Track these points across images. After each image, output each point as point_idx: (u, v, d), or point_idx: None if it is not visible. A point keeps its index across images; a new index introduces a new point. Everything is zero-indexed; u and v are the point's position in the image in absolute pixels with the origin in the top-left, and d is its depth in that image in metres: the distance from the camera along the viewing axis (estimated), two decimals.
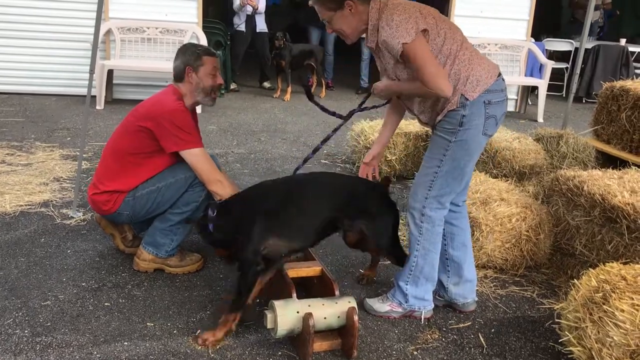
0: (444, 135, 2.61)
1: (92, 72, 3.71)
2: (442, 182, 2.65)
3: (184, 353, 2.49)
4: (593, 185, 3.20)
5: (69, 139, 5.60)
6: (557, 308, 2.61)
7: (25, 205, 3.90)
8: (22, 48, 7.28)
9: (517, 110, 8.47)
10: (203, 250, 3.32)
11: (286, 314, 2.44)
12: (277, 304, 2.47)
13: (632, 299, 2.27)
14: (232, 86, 8.71)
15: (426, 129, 5.16)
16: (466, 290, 2.91)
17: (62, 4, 7.19)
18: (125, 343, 2.52)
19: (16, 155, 4.97)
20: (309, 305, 2.50)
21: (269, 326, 2.47)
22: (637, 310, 2.22)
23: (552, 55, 9.41)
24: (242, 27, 8.51)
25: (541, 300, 3.12)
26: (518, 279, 3.35)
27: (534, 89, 8.61)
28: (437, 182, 2.65)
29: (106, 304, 2.83)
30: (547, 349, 2.68)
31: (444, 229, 2.81)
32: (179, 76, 3.11)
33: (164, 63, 7.37)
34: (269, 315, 2.47)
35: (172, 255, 3.15)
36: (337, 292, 2.66)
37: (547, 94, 8.12)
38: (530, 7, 8.09)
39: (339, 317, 2.51)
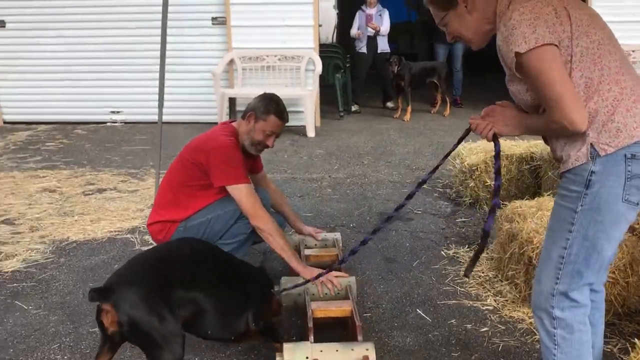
0: (566, 204, 1.92)
1: (161, 106, 3.90)
2: (572, 271, 1.93)
3: None
4: None
5: None
6: None
7: (115, 231, 4.17)
8: (155, 81, 7.90)
9: None
10: None
11: (294, 359, 2.31)
12: (287, 347, 2.35)
13: None
14: (354, 108, 8.71)
15: (531, 150, 4.71)
16: None
17: (189, 37, 7.71)
18: None
19: (128, 182, 5.36)
20: (321, 351, 2.34)
21: None
22: None
23: None
24: (364, 49, 8.49)
25: (622, 356, 2.63)
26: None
27: None
28: (566, 271, 1.94)
29: None
30: None
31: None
32: (243, 114, 3.19)
33: (282, 89, 7.56)
34: (278, 359, 2.35)
35: None
36: (360, 338, 2.46)
37: None
38: None
39: None
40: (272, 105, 3.11)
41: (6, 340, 2.82)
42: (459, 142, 2.41)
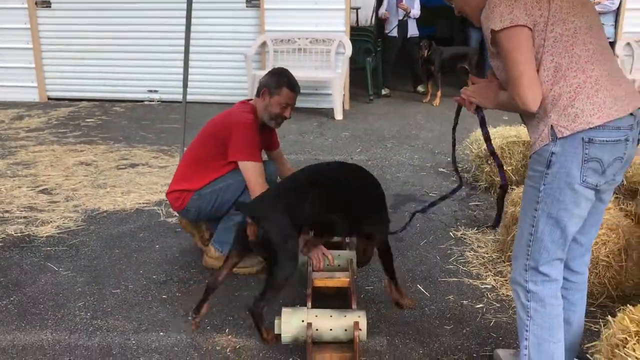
0: (532, 183, 2.06)
1: (185, 86, 4.12)
2: (540, 247, 2.07)
3: (205, 349, 2.68)
4: None
5: None
6: (588, 346, 2.29)
7: (143, 203, 4.43)
8: (191, 62, 8.13)
9: None
10: None
11: (290, 322, 2.51)
12: (285, 311, 2.55)
13: None
14: (384, 92, 8.80)
15: None
16: None
17: (223, 19, 7.93)
18: (161, 333, 2.79)
19: (160, 158, 5.64)
20: (316, 316, 2.53)
21: (275, 331, 2.56)
22: None
23: None
24: (394, 33, 8.55)
25: None
26: (594, 309, 2.97)
27: None
28: (534, 247, 2.08)
29: (164, 296, 3.14)
30: None
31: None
32: (257, 92, 3.36)
33: (312, 72, 7.73)
34: (276, 322, 2.55)
35: None
36: (354, 306, 2.64)
37: None
38: None
39: (346, 330, 2.51)
40: (282, 79, 3.29)
41: (37, 297, 3.10)
42: (456, 115, 2.57)
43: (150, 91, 8.43)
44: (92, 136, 6.46)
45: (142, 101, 8.41)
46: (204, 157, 3.36)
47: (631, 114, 1.97)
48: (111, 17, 8.27)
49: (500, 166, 2.43)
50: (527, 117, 2.08)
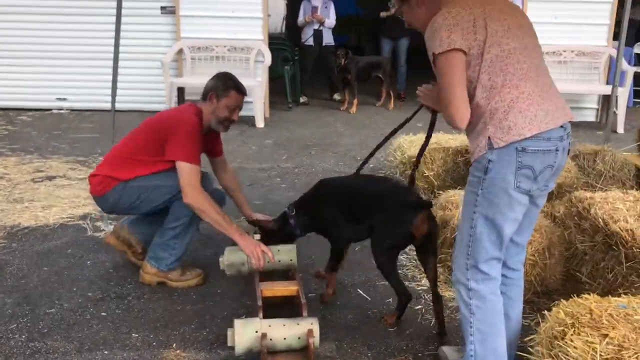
0: (471, 188, 2.24)
1: (114, 95, 4.03)
2: (479, 247, 2.24)
3: None
4: (600, 209, 3.00)
5: None
6: (526, 340, 2.47)
7: (67, 217, 4.25)
8: (103, 68, 7.87)
9: (597, 120, 7.98)
10: (206, 266, 3.46)
11: (244, 333, 2.52)
12: (238, 322, 2.56)
13: (589, 335, 2.12)
14: (302, 99, 8.91)
15: (465, 143, 5.03)
16: None
17: (137, 26, 7.68)
18: (106, 352, 2.71)
19: (77, 169, 5.42)
20: (269, 326, 2.56)
21: (229, 344, 2.56)
22: (590, 347, 2.08)
23: None
24: (311, 41, 8.69)
25: (537, 329, 2.94)
26: (523, 305, 3.18)
27: None
28: (474, 247, 2.25)
29: (103, 313, 3.04)
30: None
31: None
32: (204, 96, 3.32)
33: None
34: (229, 333, 2.56)
35: (173, 269, 3.32)
36: (305, 313, 2.69)
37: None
38: (611, 11, 7.62)
39: (299, 338, 2.55)
40: (229, 82, 3.29)
41: None
42: (413, 114, 2.80)
43: (59, 99, 8.05)
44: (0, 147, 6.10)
45: (50, 110, 8.01)
46: (140, 149, 3.26)
47: (561, 126, 2.19)
48: (13, 22, 7.83)
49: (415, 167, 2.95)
50: (468, 130, 2.25)
